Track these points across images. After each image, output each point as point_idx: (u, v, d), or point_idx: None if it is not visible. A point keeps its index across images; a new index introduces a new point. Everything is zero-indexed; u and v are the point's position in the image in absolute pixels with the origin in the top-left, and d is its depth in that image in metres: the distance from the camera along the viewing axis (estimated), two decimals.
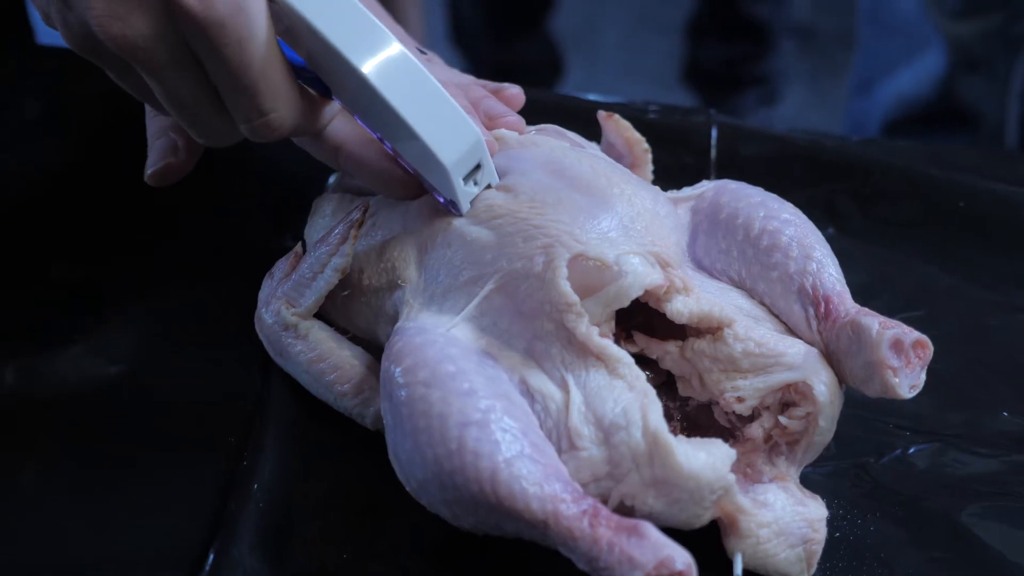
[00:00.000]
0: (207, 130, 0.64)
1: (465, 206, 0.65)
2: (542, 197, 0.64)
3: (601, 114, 0.74)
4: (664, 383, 0.66)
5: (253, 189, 0.76)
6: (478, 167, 0.65)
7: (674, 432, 0.64)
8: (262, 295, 0.70)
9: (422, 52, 0.78)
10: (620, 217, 0.64)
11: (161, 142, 0.71)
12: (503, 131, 0.70)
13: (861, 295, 0.67)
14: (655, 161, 0.78)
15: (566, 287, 0.62)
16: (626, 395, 0.60)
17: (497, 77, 2.16)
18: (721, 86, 2.33)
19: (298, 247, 0.71)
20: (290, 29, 0.62)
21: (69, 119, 0.65)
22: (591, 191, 0.65)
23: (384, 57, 0.61)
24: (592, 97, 0.94)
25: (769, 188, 0.83)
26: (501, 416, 0.58)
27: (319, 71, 0.63)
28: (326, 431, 0.67)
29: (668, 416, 0.65)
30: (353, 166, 0.68)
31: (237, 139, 0.65)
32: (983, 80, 1.53)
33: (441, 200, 0.66)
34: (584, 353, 0.62)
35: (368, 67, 0.61)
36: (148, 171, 0.71)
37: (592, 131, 0.78)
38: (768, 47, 2.23)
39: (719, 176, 0.86)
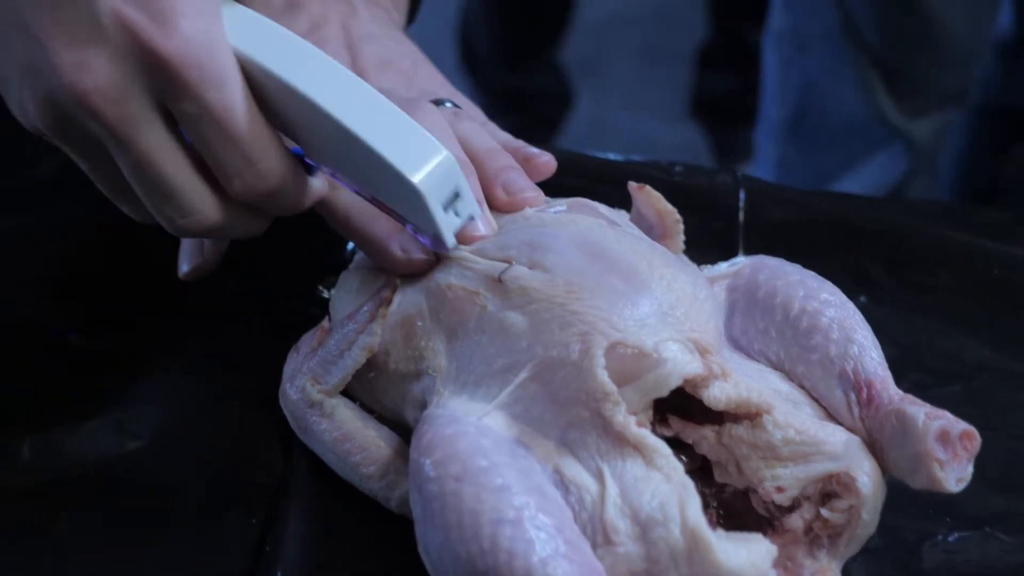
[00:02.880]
0: (184, 207, 0.60)
1: (450, 239, 0.62)
2: (579, 281, 0.62)
3: (632, 185, 0.72)
4: (700, 467, 0.64)
5: (279, 253, 0.74)
6: (457, 195, 0.62)
7: (710, 520, 0.62)
8: (287, 370, 0.68)
9: (456, 106, 0.75)
10: (659, 303, 0.62)
11: (188, 243, 0.70)
12: (531, 211, 0.67)
13: (894, 367, 0.64)
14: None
15: (603, 376, 0.59)
16: (663, 488, 0.58)
17: (505, 105, 2.15)
18: (729, 117, 2.32)
19: (325, 322, 0.68)
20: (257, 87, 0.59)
21: (86, 177, 0.62)
22: (630, 275, 0.62)
23: (341, 84, 0.59)
24: (614, 157, 0.91)
25: (799, 254, 0.80)
26: (535, 513, 0.56)
27: (288, 132, 0.61)
28: (351, 512, 0.65)
29: (704, 503, 0.63)
30: (357, 240, 0.66)
31: (211, 221, 0.61)
32: (931, 177, 1.51)
33: (426, 242, 0.63)
34: (621, 443, 0.59)
35: (359, 127, 0.59)
36: (180, 274, 0.70)
37: (613, 190, 0.75)
38: None
39: (748, 242, 0.84)
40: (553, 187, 0.72)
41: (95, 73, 0.55)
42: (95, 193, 0.63)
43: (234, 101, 0.57)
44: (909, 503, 0.68)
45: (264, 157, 0.59)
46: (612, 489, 0.58)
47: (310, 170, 0.63)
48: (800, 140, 1.60)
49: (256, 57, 0.59)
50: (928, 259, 0.84)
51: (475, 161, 0.68)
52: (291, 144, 0.62)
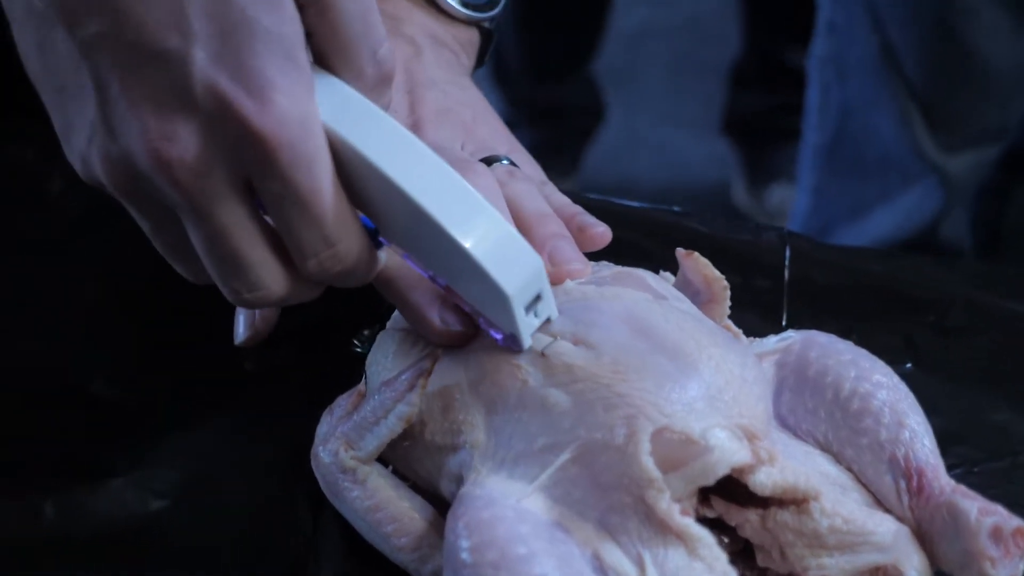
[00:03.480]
0: (253, 283, 0.58)
1: (527, 341, 0.61)
2: (626, 360, 0.60)
3: (680, 252, 0.70)
4: (743, 549, 0.62)
5: (313, 305, 0.72)
6: (538, 297, 0.61)
7: None
8: (320, 431, 0.66)
9: (512, 163, 0.73)
10: (707, 386, 0.60)
11: (244, 312, 0.69)
12: (572, 283, 0.65)
13: (940, 439, 0.62)
14: None
15: (648, 462, 0.57)
16: None
17: (536, 117, 2.13)
18: (761, 137, 2.29)
19: (361, 384, 0.67)
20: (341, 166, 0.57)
21: (111, 215, 0.61)
22: (678, 355, 0.60)
23: (464, 208, 0.58)
24: (637, 204, 0.88)
25: (845, 318, 0.78)
26: None
27: (370, 213, 0.59)
28: None
29: None
30: (398, 304, 0.64)
31: (284, 294, 0.59)
32: (966, 214, 1.48)
33: (499, 337, 0.61)
34: (663, 530, 0.57)
35: (454, 227, 0.57)
36: (237, 342, 0.70)
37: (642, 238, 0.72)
38: None
39: (792, 304, 0.81)
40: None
41: (181, 144, 0.53)
42: (126, 233, 0.61)
43: (322, 183, 0.55)
44: None
45: (343, 239, 0.57)
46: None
47: (378, 243, 0.61)
48: (836, 167, 1.57)
49: (345, 135, 0.57)
50: (978, 328, 0.81)
51: (523, 226, 0.66)
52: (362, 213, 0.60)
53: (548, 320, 0.61)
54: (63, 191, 0.80)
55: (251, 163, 0.54)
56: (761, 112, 2.28)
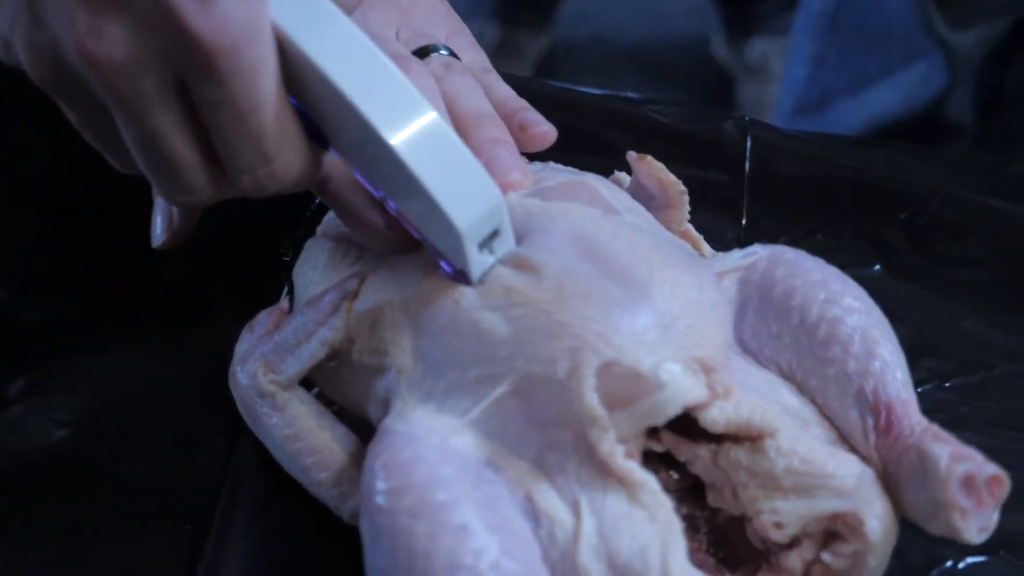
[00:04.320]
0: (185, 187, 0.52)
1: (476, 277, 0.54)
2: (570, 286, 0.53)
3: (632, 155, 0.62)
4: (692, 486, 0.56)
5: (242, 212, 0.64)
6: (495, 233, 0.54)
7: (698, 547, 0.55)
8: (239, 350, 0.60)
9: (452, 53, 0.65)
10: (660, 314, 0.53)
11: (162, 211, 0.62)
12: (516, 196, 0.58)
13: (907, 353, 0.57)
14: (680, 177, 0.65)
15: (592, 399, 0.51)
16: (646, 529, 0.51)
17: None
18: None
19: (283, 302, 0.60)
20: (292, 72, 0.51)
21: (11, 110, 0.53)
22: (628, 280, 0.54)
23: (414, 126, 0.51)
24: (593, 91, 0.80)
25: (811, 215, 0.71)
26: (497, 559, 0.49)
27: (320, 120, 0.52)
28: (301, 519, 0.57)
29: (694, 527, 0.56)
30: (336, 206, 0.57)
31: (215, 199, 0.54)
32: (970, 92, 1.39)
33: (448, 269, 0.55)
34: (604, 473, 0.52)
35: (397, 138, 0.50)
36: (155, 244, 0.63)
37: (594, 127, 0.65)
38: None
39: (753, 200, 0.74)
40: None
41: (111, 42, 0.47)
42: (27, 131, 0.54)
43: (263, 95, 0.49)
44: (916, 526, 0.61)
45: (283, 156, 0.51)
46: (588, 525, 0.51)
47: (323, 148, 0.55)
48: (838, 38, 1.49)
49: (298, 38, 0.50)
50: (957, 226, 0.75)
51: (459, 128, 0.59)
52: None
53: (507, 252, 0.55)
54: None
55: (187, 67, 0.48)
56: None
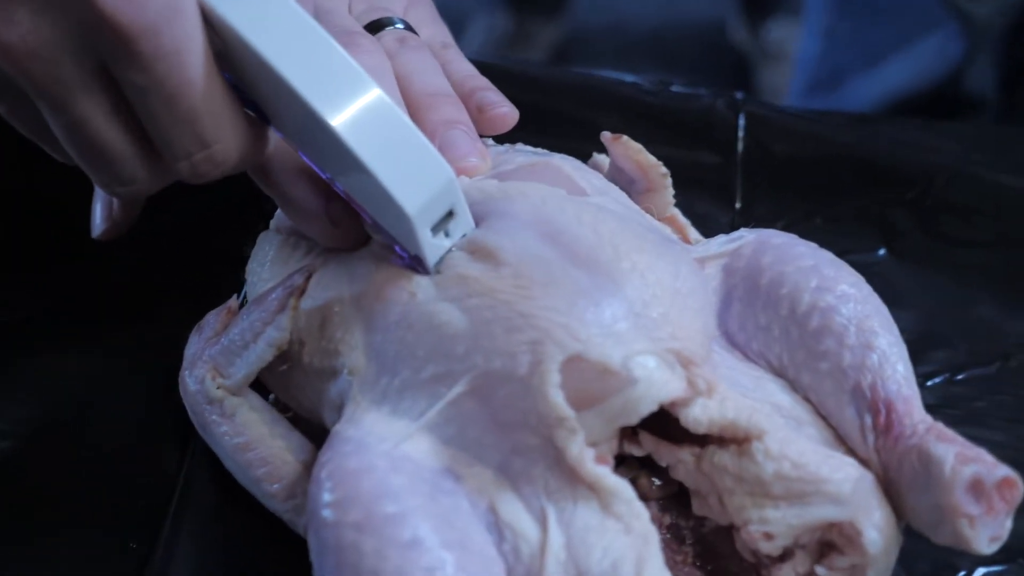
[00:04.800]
0: (121, 176, 0.49)
1: (432, 263, 0.50)
2: (530, 273, 0.48)
3: (606, 136, 0.57)
4: (676, 494, 0.51)
5: (199, 204, 0.59)
6: (450, 214, 0.50)
7: (683, 562, 0.50)
8: (188, 353, 0.55)
9: (408, 27, 0.61)
10: (630, 302, 0.48)
11: (101, 201, 0.58)
12: (471, 180, 0.54)
13: (915, 343, 0.52)
14: (668, 159, 0.60)
15: (557, 397, 0.46)
16: (619, 542, 0.46)
17: None
18: None
19: (232, 301, 0.55)
20: (225, 49, 0.47)
21: None
22: (593, 265, 0.49)
23: (355, 105, 0.47)
24: (575, 71, 0.75)
25: (810, 197, 0.66)
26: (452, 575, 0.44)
27: (258, 98, 0.48)
28: (254, 528, 0.53)
29: (679, 538, 0.51)
30: (277, 196, 0.53)
31: (157, 188, 0.50)
32: (991, 64, 1.34)
33: (404, 257, 0.50)
34: (573, 480, 0.47)
35: (337, 119, 0.47)
36: (94, 234, 0.58)
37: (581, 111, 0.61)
38: None
39: (747, 182, 0.69)
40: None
41: (23, 27, 0.43)
42: None
43: (192, 74, 0.46)
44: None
45: (221, 139, 0.48)
46: (556, 539, 0.46)
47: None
48: (850, 11, 1.44)
49: (225, 13, 0.46)
50: (965, 206, 0.70)
51: (412, 108, 0.55)
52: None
53: (463, 236, 0.51)
54: None
55: (106, 52, 0.45)
56: None
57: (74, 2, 0.43)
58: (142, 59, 0.44)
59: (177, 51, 0.45)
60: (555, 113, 0.61)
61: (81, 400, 0.58)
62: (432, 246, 0.49)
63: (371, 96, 0.47)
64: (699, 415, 0.48)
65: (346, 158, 0.47)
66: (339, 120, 0.46)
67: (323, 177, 0.50)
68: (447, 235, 0.50)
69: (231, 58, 0.47)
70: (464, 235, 0.50)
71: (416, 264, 0.50)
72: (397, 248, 0.51)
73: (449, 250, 0.50)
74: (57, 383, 0.58)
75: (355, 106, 0.47)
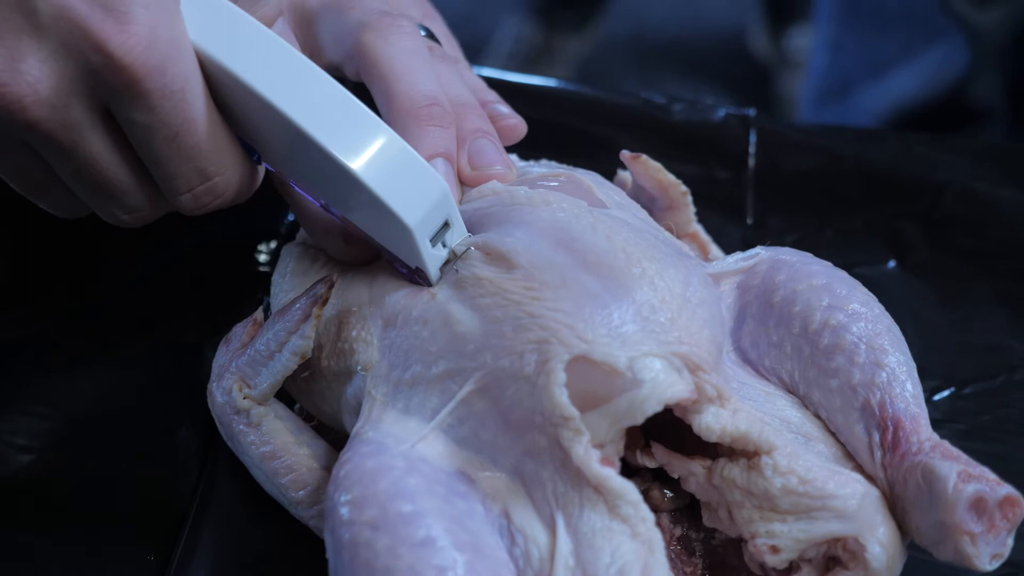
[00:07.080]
0: (125, 206, 0.49)
1: (435, 274, 0.50)
2: (541, 276, 0.48)
3: (625, 154, 0.56)
4: (688, 505, 0.51)
5: (215, 220, 0.58)
6: (446, 225, 0.50)
7: (693, 572, 0.49)
8: (216, 365, 0.55)
9: (432, 35, 0.60)
10: (638, 306, 0.48)
11: None
12: (496, 184, 0.53)
13: (923, 354, 0.51)
14: (681, 175, 0.59)
15: (562, 396, 0.45)
16: (626, 546, 0.45)
17: None
18: None
19: (258, 313, 0.55)
20: (212, 87, 0.47)
21: None
22: (604, 271, 0.48)
23: (357, 135, 0.48)
24: (588, 88, 0.74)
25: (821, 211, 0.65)
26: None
27: (245, 133, 0.49)
28: (270, 544, 0.52)
29: (689, 550, 0.50)
30: (295, 212, 0.53)
31: (160, 215, 0.50)
32: (998, 74, 1.31)
33: (403, 272, 0.50)
34: (580, 482, 0.46)
35: (353, 160, 0.47)
36: None
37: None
38: None
39: (758, 197, 0.68)
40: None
41: (30, 76, 0.43)
42: None
43: (194, 112, 0.46)
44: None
45: (222, 171, 0.48)
46: (564, 544, 0.46)
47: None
48: (856, 21, 1.41)
49: (214, 52, 0.47)
50: (973, 219, 0.68)
51: None
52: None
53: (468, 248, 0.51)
54: None
55: (113, 93, 0.45)
56: None
57: (82, 46, 0.43)
58: (149, 98, 0.45)
59: (181, 89, 0.45)
60: (567, 129, 0.60)
61: (97, 414, 0.57)
62: (432, 257, 0.49)
63: (364, 119, 0.48)
64: (712, 423, 0.47)
65: (348, 184, 0.47)
66: (357, 163, 0.47)
67: (316, 204, 0.51)
68: (444, 245, 0.50)
69: (217, 94, 0.47)
70: (460, 241, 0.51)
71: (417, 277, 0.50)
72: (397, 265, 0.51)
73: (448, 260, 0.50)
74: (74, 398, 0.57)
75: (356, 136, 0.47)
